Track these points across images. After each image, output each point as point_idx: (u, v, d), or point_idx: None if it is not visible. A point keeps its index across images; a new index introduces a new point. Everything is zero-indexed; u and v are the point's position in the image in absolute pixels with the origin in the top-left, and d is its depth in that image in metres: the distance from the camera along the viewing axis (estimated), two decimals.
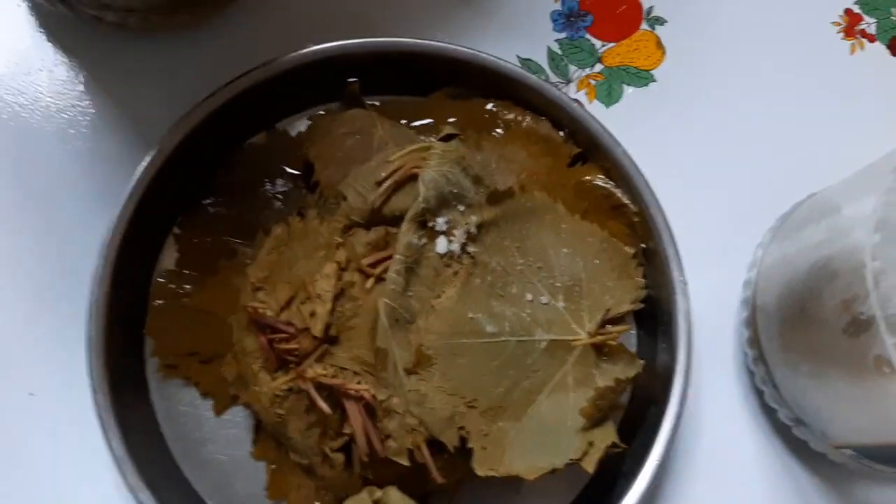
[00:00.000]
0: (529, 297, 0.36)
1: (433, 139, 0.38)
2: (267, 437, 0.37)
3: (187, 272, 0.38)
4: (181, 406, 0.37)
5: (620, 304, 0.36)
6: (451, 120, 0.40)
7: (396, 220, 0.36)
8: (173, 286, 0.38)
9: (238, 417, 0.37)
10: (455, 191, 0.36)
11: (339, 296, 0.34)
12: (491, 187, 0.37)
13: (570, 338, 0.35)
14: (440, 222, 0.35)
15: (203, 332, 0.37)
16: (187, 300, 0.38)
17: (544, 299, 0.36)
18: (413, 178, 0.36)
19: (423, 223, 0.35)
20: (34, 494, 0.36)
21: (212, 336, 0.37)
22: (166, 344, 0.37)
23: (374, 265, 0.35)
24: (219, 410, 0.38)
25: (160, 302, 0.38)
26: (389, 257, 0.35)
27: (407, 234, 0.35)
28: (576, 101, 0.40)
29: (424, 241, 0.35)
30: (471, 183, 0.36)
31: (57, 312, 0.38)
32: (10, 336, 0.38)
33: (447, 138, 0.37)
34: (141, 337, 0.38)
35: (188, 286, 0.38)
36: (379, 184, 0.35)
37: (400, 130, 0.38)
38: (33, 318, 0.38)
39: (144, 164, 0.36)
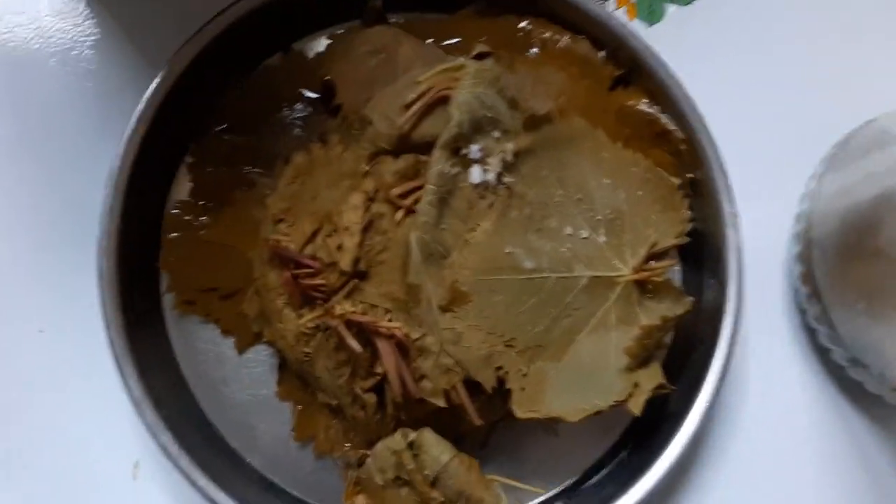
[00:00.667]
0: (569, 230, 0.34)
1: (465, 59, 0.36)
2: (292, 376, 0.35)
3: (202, 203, 0.36)
4: (200, 343, 0.36)
5: (665, 238, 0.34)
6: (481, 39, 0.37)
7: (426, 147, 0.33)
8: (188, 218, 0.36)
9: (261, 356, 0.36)
10: (490, 115, 0.33)
11: (367, 228, 0.32)
12: (527, 112, 0.35)
13: (613, 274, 0.33)
14: (474, 150, 0.33)
15: (221, 266, 0.35)
16: (203, 233, 0.36)
17: (584, 233, 0.34)
18: (444, 100, 0.33)
19: (455, 150, 0.33)
20: (46, 435, 0.35)
21: (231, 270, 0.35)
22: (182, 278, 0.35)
23: (403, 196, 0.32)
24: (240, 348, 0.36)
25: (174, 234, 0.35)
26: (420, 187, 0.32)
27: (438, 163, 0.32)
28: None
29: (457, 169, 0.32)
30: (506, 107, 0.34)
31: (65, 246, 0.36)
32: (16, 271, 0.36)
33: (480, 57, 0.34)
34: (156, 271, 0.36)
35: (203, 218, 0.36)
36: (407, 107, 0.33)
37: (427, 49, 0.35)
38: (40, 252, 0.36)
39: (153, 87, 0.34)
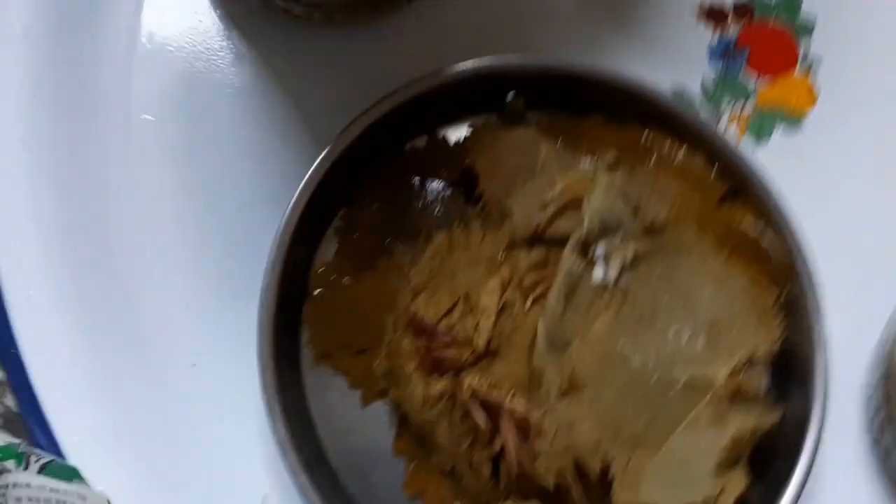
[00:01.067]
0: (672, 333, 0.37)
1: (596, 164, 0.40)
2: (409, 434, 0.39)
3: (346, 266, 0.40)
4: (330, 393, 0.39)
5: (758, 349, 0.38)
6: (609, 147, 0.41)
7: (556, 242, 0.37)
8: (332, 278, 0.40)
9: (382, 411, 0.39)
10: (616, 221, 0.37)
11: (500, 312, 0.36)
12: (647, 219, 0.39)
13: (708, 378, 0.37)
14: (599, 251, 0.37)
15: (357, 324, 0.39)
16: (344, 292, 0.40)
17: (685, 337, 0.37)
18: (577, 203, 0.37)
19: (583, 250, 0.37)
20: (186, 461, 0.39)
21: (365, 329, 0.39)
22: (322, 333, 0.39)
23: (533, 285, 0.37)
24: (366, 401, 0.39)
25: (319, 291, 0.40)
26: (548, 278, 0.37)
27: (568, 261, 0.36)
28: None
29: (582, 268, 0.37)
30: (630, 214, 0.38)
31: (221, 286, 0.40)
32: (174, 308, 0.40)
33: (612, 167, 0.38)
34: (297, 322, 0.40)
35: (346, 279, 0.40)
36: (544, 206, 0.37)
37: (562, 153, 0.39)
38: (199, 293, 0.40)
39: (320, 159, 0.38)
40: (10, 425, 0.40)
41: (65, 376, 0.38)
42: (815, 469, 0.38)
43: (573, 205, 0.37)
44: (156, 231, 0.40)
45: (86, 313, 0.39)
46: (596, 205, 0.36)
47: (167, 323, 0.40)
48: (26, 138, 0.38)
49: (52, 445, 0.36)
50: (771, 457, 0.38)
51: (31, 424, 0.36)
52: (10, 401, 0.40)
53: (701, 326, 0.37)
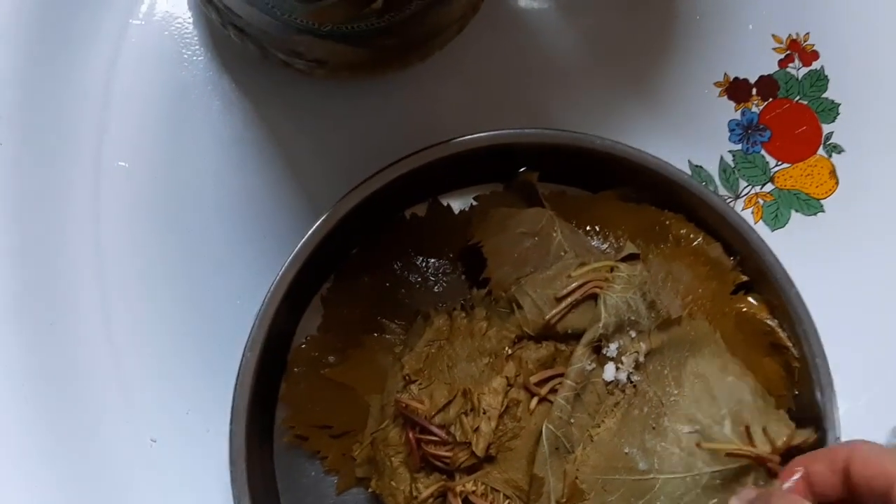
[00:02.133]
0: (686, 429, 0.34)
1: (609, 250, 0.37)
2: None
3: (331, 341, 0.37)
4: (303, 478, 0.36)
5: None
6: (622, 228, 0.38)
7: (566, 337, 0.34)
8: (315, 354, 0.36)
9: (358, 499, 0.36)
10: (633, 318, 0.34)
11: (503, 413, 0.33)
12: (661, 312, 0.36)
13: (746, 456, 0.33)
14: (612, 348, 0.34)
15: (339, 406, 0.36)
16: (327, 371, 0.36)
17: (703, 428, 0.34)
18: (592, 296, 0.34)
19: (597, 348, 0.34)
20: None
21: (347, 411, 0.36)
22: (300, 413, 0.36)
23: (539, 384, 0.33)
24: (341, 489, 0.36)
25: (299, 369, 0.36)
26: (557, 376, 0.34)
27: (580, 360, 0.33)
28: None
29: (594, 366, 0.34)
30: (646, 309, 0.35)
31: (188, 362, 0.37)
32: (135, 378, 0.36)
33: (629, 257, 0.35)
34: (273, 397, 0.36)
35: (330, 357, 0.36)
36: (559, 299, 0.34)
37: (578, 238, 0.36)
38: (164, 363, 0.37)
39: (315, 227, 0.35)
40: None
41: (15, 452, 0.34)
42: None
43: (588, 298, 0.34)
44: (120, 290, 0.37)
45: (40, 381, 0.35)
46: (612, 301, 0.33)
47: (127, 394, 0.36)
48: None
49: None
50: None
51: None
52: None
53: (724, 415, 0.34)
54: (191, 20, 0.38)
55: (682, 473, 0.33)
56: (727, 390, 0.34)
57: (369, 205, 0.37)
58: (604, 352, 0.33)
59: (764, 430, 0.34)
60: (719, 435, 0.33)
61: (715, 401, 0.34)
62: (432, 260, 0.37)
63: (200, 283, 0.37)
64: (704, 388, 0.35)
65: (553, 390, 0.33)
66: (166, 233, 0.37)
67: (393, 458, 0.34)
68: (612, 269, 0.34)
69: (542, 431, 0.32)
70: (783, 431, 0.34)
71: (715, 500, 0.33)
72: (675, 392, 0.35)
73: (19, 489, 0.34)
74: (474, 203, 0.39)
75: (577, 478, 0.32)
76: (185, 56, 0.38)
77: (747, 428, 0.33)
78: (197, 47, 0.38)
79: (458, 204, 0.39)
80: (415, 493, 0.33)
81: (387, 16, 0.29)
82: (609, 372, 0.33)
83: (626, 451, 0.33)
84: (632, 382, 0.34)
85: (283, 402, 0.36)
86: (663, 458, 0.33)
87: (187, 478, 0.36)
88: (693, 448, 0.33)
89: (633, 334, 0.34)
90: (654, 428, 0.34)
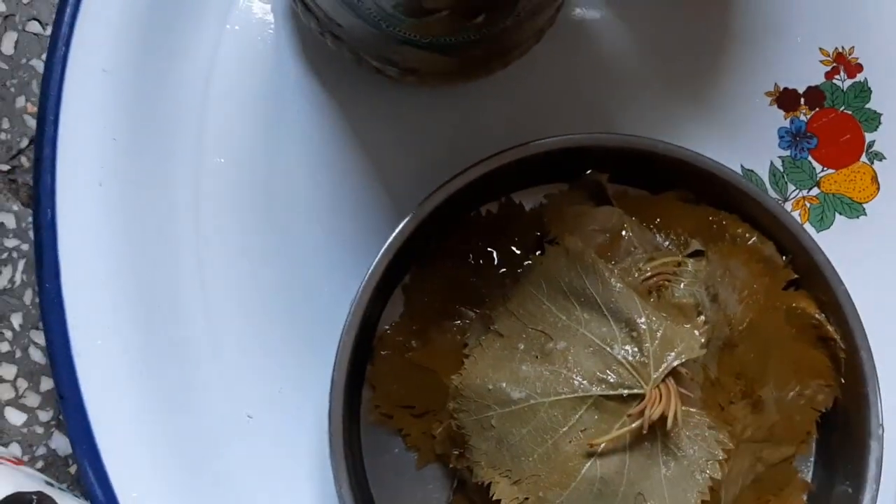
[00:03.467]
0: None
1: (671, 247, 0.40)
2: (464, 499, 0.39)
3: (413, 326, 0.39)
4: (386, 454, 0.39)
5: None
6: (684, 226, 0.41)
7: None
8: (399, 339, 0.39)
9: (437, 474, 0.39)
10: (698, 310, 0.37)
11: None
12: (721, 305, 0.39)
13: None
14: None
15: (420, 387, 0.39)
16: (410, 354, 0.39)
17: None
18: (660, 288, 0.37)
19: None
20: None
21: (428, 392, 0.39)
22: (386, 394, 0.39)
23: None
24: (420, 464, 0.39)
25: (385, 352, 0.39)
26: None
27: None
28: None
29: None
30: (709, 301, 0.38)
31: (284, 344, 0.39)
32: (233, 357, 0.39)
33: (695, 254, 0.38)
34: (361, 380, 0.39)
35: (413, 341, 0.39)
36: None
37: (645, 235, 0.39)
38: (261, 343, 0.39)
39: (401, 226, 0.37)
40: (51, 468, 0.39)
41: (125, 426, 0.37)
42: None
43: (657, 291, 0.37)
44: (219, 276, 0.39)
45: (148, 356, 0.38)
46: (680, 294, 0.36)
47: (224, 373, 0.39)
48: (105, 181, 0.37)
49: (111, 501, 0.35)
50: None
51: (90, 478, 0.35)
52: (55, 443, 0.39)
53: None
54: (283, 26, 0.41)
55: (568, 394, 0.34)
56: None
57: (449, 202, 0.40)
58: None
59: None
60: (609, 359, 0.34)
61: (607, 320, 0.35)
62: (505, 252, 0.40)
63: (292, 271, 0.40)
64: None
65: None
66: (262, 223, 0.40)
67: None
68: (678, 265, 0.37)
69: None
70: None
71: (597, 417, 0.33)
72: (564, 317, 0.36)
73: (126, 465, 0.37)
74: (544, 201, 0.42)
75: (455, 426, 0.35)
76: (277, 60, 0.41)
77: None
78: (288, 52, 0.41)
79: (527, 202, 0.42)
80: None
81: (484, 29, 0.32)
82: None
83: (490, 387, 0.34)
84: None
85: (370, 383, 0.39)
86: (548, 383, 0.34)
87: (281, 451, 0.39)
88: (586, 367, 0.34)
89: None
90: (537, 357, 0.35)
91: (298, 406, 0.39)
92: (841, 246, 0.44)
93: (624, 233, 0.38)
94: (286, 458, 0.38)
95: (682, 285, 0.36)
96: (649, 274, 0.36)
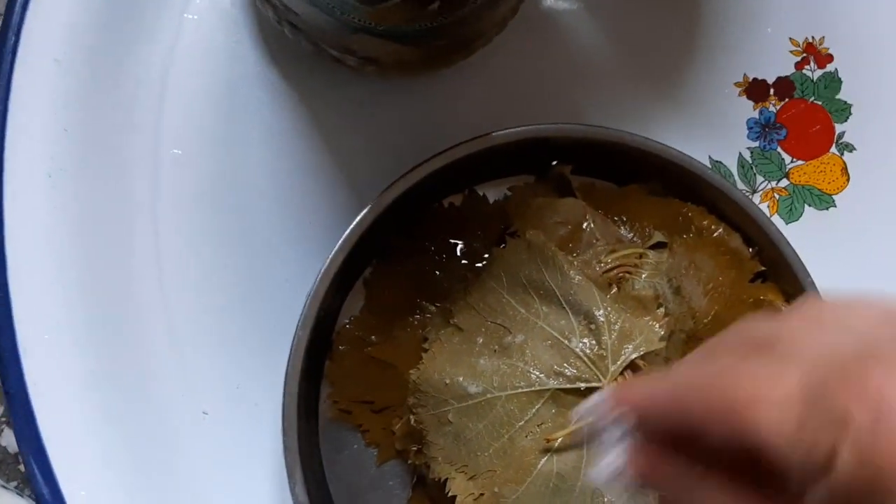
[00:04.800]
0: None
1: (636, 239, 0.39)
2: (423, 496, 0.38)
3: (373, 321, 0.39)
4: (345, 450, 0.38)
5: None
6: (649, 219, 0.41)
7: None
8: (358, 333, 0.39)
9: (396, 470, 0.38)
10: (660, 302, 0.37)
11: None
12: (685, 298, 0.38)
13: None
14: None
15: (380, 382, 0.38)
16: (369, 349, 0.39)
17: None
18: (620, 280, 0.37)
19: None
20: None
21: (388, 388, 0.38)
22: (344, 389, 0.38)
23: None
24: (381, 461, 0.38)
25: (344, 347, 0.38)
26: None
27: None
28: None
29: None
30: (671, 294, 0.37)
31: (240, 338, 0.39)
32: (187, 352, 0.38)
33: (657, 245, 0.38)
34: (319, 375, 0.39)
35: (373, 336, 0.39)
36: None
37: (608, 227, 0.39)
38: (217, 338, 0.39)
39: (361, 215, 0.37)
40: (1, 466, 0.38)
41: (74, 423, 0.36)
42: None
43: (618, 282, 0.37)
44: (176, 270, 0.39)
45: (100, 353, 0.37)
46: (641, 286, 0.35)
47: (181, 369, 0.38)
48: (53, 173, 0.36)
49: (57, 499, 0.34)
50: None
51: (36, 476, 0.34)
52: (6, 440, 0.38)
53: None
54: (242, 16, 0.40)
55: (525, 388, 0.33)
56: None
57: (410, 194, 0.39)
58: None
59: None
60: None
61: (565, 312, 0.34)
62: (468, 246, 0.40)
63: (250, 265, 0.39)
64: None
65: None
66: (220, 215, 0.39)
67: None
68: (640, 256, 0.37)
69: None
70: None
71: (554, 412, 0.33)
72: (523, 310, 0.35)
73: (74, 461, 0.36)
74: (508, 193, 0.41)
75: (413, 421, 0.34)
76: (237, 50, 0.40)
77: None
78: (248, 42, 0.40)
79: (492, 194, 0.41)
80: None
81: (440, 17, 0.32)
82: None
83: (448, 381, 0.34)
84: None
85: (328, 379, 0.38)
86: (505, 377, 0.33)
87: (237, 448, 0.38)
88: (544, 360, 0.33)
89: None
90: (496, 350, 0.34)
91: (256, 402, 0.38)
92: (811, 238, 0.44)
93: (585, 225, 0.37)
94: (243, 455, 0.37)
95: (643, 277, 0.35)
96: (610, 265, 0.35)
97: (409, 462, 0.37)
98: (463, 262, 0.40)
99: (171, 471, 0.37)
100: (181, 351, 0.38)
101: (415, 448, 0.37)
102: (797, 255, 0.40)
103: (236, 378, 0.38)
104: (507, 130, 0.39)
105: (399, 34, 0.33)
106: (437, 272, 0.39)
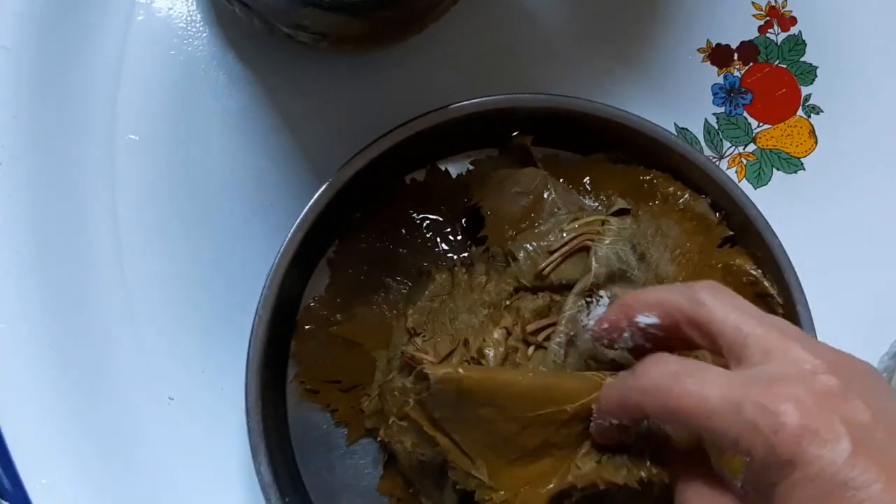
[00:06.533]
0: None
1: (601, 208, 0.39)
2: (396, 473, 0.38)
3: (338, 300, 0.39)
4: (314, 430, 0.38)
5: None
6: (612, 188, 0.40)
7: (560, 288, 0.36)
8: (324, 313, 0.38)
9: (367, 448, 0.38)
10: (623, 268, 0.36)
11: (503, 360, 0.35)
12: (651, 264, 0.38)
13: None
14: (603, 297, 0.36)
15: (347, 361, 0.38)
16: (335, 328, 0.38)
17: None
18: (584, 249, 0.36)
19: (587, 297, 0.36)
20: (163, 494, 0.37)
21: (355, 366, 0.38)
22: (310, 368, 0.38)
23: (535, 332, 0.35)
24: (351, 440, 0.38)
25: (309, 327, 0.38)
26: (551, 325, 0.35)
27: (572, 308, 0.35)
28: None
29: (586, 315, 0.36)
30: (636, 260, 0.37)
31: (202, 322, 0.38)
32: (151, 338, 0.38)
33: (620, 212, 0.37)
34: (284, 355, 0.38)
35: (338, 315, 0.38)
36: (552, 252, 0.36)
37: (571, 196, 0.38)
38: (179, 323, 0.38)
39: (319, 193, 0.36)
40: None
41: (33, 413, 0.36)
42: None
43: (580, 251, 0.36)
44: (136, 256, 0.38)
45: (58, 342, 0.37)
46: (603, 252, 0.35)
47: (145, 355, 0.38)
48: (4, 161, 0.36)
49: (17, 488, 0.34)
50: None
51: None
52: None
53: None
54: None
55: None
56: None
57: (371, 171, 0.38)
58: (595, 300, 0.35)
59: None
60: None
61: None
62: (432, 221, 0.40)
63: (211, 249, 0.39)
64: None
65: (548, 338, 0.35)
66: (179, 200, 0.39)
67: (402, 408, 0.36)
68: (602, 223, 0.36)
69: None
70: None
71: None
72: None
73: (40, 450, 0.36)
74: (471, 167, 0.41)
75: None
76: (191, 32, 0.40)
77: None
78: (201, 23, 0.40)
79: (455, 168, 0.41)
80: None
81: None
82: (595, 317, 0.35)
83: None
84: None
85: (294, 359, 0.38)
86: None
87: (204, 433, 0.38)
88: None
89: (625, 285, 0.36)
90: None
91: (222, 387, 0.38)
92: (780, 202, 0.44)
93: (547, 194, 0.37)
94: (209, 438, 0.37)
95: (605, 243, 0.35)
96: (570, 237, 0.35)
97: (379, 439, 0.37)
98: (427, 236, 0.40)
99: (137, 457, 0.36)
100: (144, 338, 0.38)
101: (384, 427, 0.37)
102: (764, 218, 0.39)
103: (201, 363, 0.38)
104: (464, 102, 0.38)
105: (346, 6, 0.32)
106: (401, 249, 0.39)
